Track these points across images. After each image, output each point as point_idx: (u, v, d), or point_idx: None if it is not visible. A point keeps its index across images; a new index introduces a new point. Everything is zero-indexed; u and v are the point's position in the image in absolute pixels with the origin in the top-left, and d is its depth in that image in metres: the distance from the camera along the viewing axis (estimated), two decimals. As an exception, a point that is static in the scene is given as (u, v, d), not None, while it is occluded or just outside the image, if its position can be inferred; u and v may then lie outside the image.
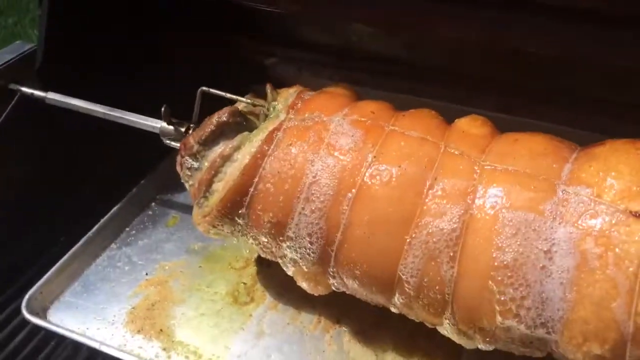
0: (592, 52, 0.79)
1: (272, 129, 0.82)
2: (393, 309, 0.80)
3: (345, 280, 0.79)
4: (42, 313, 0.93)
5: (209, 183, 0.84)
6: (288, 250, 0.81)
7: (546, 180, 0.68)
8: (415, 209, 0.71)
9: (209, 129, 0.85)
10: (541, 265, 0.64)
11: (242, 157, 0.82)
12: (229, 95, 0.90)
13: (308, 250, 0.78)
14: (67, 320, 0.92)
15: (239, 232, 0.86)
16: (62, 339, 0.90)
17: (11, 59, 1.02)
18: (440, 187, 0.71)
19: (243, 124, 0.88)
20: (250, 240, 0.86)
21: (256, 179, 0.80)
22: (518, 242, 0.65)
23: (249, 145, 0.83)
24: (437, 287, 0.71)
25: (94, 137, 1.05)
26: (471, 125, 0.78)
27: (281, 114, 0.84)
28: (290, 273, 0.86)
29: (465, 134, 0.77)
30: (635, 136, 0.70)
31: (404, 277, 0.72)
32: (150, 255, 1.03)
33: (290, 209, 0.78)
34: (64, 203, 1.08)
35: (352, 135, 0.77)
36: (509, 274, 0.66)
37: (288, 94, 0.88)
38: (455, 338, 0.75)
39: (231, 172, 0.83)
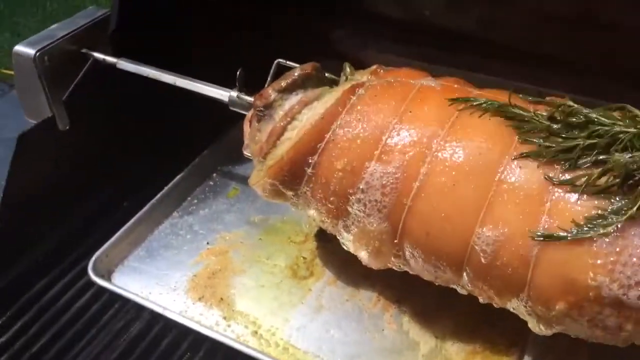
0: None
1: (355, 84, 0.82)
2: (459, 288, 0.77)
3: (412, 249, 0.76)
4: (107, 276, 0.95)
5: (282, 131, 0.83)
6: (356, 205, 0.78)
7: None
8: (501, 159, 0.70)
9: (291, 78, 0.85)
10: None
11: (322, 105, 0.81)
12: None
13: (379, 204, 0.76)
14: (131, 284, 0.94)
15: (300, 192, 0.83)
16: (125, 302, 0.93)
17: (85, 24, 1.03)
18: None
19: (324, 80, 0.87)
20: (312, 203, 0.83)
21: (335, 125, 0.79)
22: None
23: (329, 96, 0.82)
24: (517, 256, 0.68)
25: (161, 105, 1.07)
26: None
27: (363, 77, 0.84)
28: (350, 240, 0.82)
29: None
30: None
31: (478, 242, 0.69)
32: (211, 225, 1.04)
33: (367, 156, 0.76)
34: (128, 169, 1.10)
35: (439, 94, 0.77)
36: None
37: (365, 72, 0.87)
38: (526, 317, 0.73)
39: (309, 118, 0.81)
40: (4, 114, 1.36)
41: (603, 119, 0.67)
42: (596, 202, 0.65)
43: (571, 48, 0.91)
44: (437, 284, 0.80)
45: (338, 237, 0.85)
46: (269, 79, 0.91)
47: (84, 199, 1.07)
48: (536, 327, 0.72)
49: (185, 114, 1.08)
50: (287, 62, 0.90)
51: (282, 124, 0.83)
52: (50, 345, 0.90)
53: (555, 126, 0.70)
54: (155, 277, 0.95)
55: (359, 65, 1.15)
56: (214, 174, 1.14)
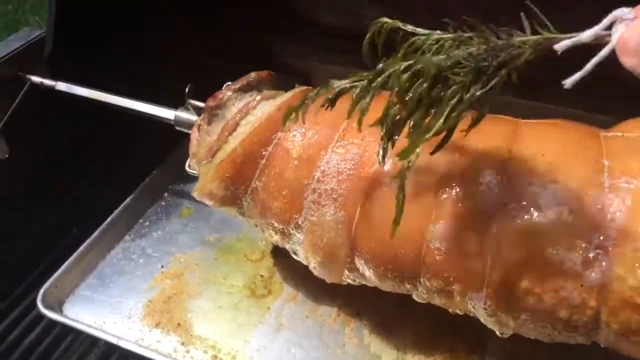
0: None
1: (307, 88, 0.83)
2: (416, 295, 0.77)
3: (366, 255, 0.74)
4: (58, 307, 0.92)
5: (235, 126, 0.81)
6: (311, 196, 0.75)
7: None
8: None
9: (246, 80, 0.85)
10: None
11: (280, 100, 0.82)
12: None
13: (335, 193, 0.74)
14: (84, 314, 0.91)
15: (252, 188, 0.81)
16: (78, 333, 0.90)
17: (19, 47, 1.00)
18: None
19: (278, 89, 0.88)
20: (264, 200, 0.80)
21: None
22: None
23: (286, 94, 0.83)
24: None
25: (106, 126, 1.03)
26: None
27: None
28: (301, 241, 0.79)
29: None
30: None
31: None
32: (165, 247, 1.01)
33: (323, 144, 0.76)
34: (75, 194, 1.06)
35: None
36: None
37: None
38: (487, 319, 0.72)
39: (265, 111, 0.81)
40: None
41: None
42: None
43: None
44: (395, 291, 0.79)
45: (287, 246, 0.83)
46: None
47: (30, 229, 1.03)
48: (496, 325, 0.72)
49: (131, 133, 1.04)
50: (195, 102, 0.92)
51: (236, 118, 0.82)
52: (1, 385, 0.87)
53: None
54: (108, 306, 0.92)
55: (304, 76, 1.15)
56: (166, 194, 1.11)
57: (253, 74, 0.87)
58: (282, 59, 1.16)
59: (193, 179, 1.06)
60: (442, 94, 0.51)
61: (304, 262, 0.82)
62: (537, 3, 0.47)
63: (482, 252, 0.66)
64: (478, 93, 0.49)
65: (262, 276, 0.96)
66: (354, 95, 0.56)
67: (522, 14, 0.46)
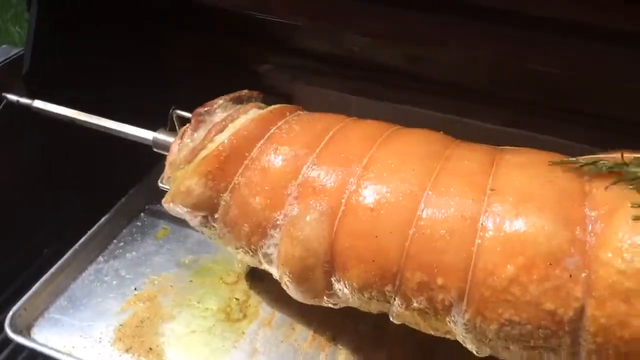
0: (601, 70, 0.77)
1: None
2: (393, 312, 0.75)
3: (346, 254, 0.73)
4: (26, 331, 0.89)
5: (223, 127, 0.82)
6: (295, 191, 0.76)
7: None
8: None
9: (238, 93, 0.88)
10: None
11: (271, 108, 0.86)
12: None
13: (320, 187, 0.74)
14: (53, 338, 0.89)
15: (233, 184, 0.80)
16: (47, 358, 0.87)
17: (-4, 65, 0.99)
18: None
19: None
20: (244, 196, 0.79)
21: (284, 119, 0.83)
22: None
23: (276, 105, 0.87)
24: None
25: (82, 145, 1.02)
26: None
27: None
28: (277, 243, 0.78)
29: None
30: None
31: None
32: (139, 269, 0.99)
33: (316, 145, 0.78)
34: (48, 214, 1.04)
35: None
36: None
37: None
38: (465, 336, 0.71)
39: (256, 112, 0.84)
40: None
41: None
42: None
43: (495, 83, 0.94)
44: (371, 308, 0.78)
45: (259, 256, 0.81)
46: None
47: (-1, 248, 1.00)
48: (474, 343, 0.70)
49: (107, 153, 1.03)
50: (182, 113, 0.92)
51: (227, 120, 0.83)
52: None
53: None
54: (78, 329, 0.90)
55: (288, 98, 1.16)
56: (142, 214, 1.10)
57: (245, 90, 0.89)
58: (270, 82, 1.16)
59: (169, 199, 1.05)
60: None
61: (277, 272, 0.80)
62: None
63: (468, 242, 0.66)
64: None
65: (237, 299, 0.94)
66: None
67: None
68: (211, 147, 0.81)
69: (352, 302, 0.77)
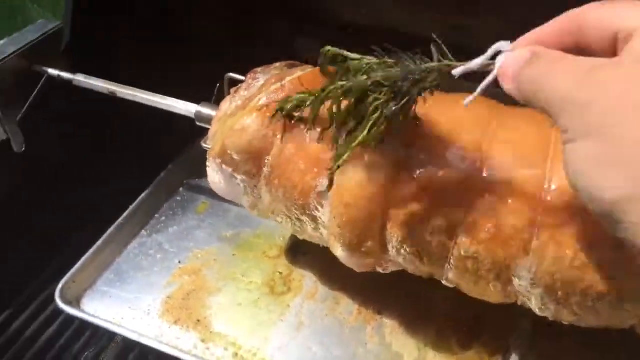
0: None
1: None
2: (444, 280, 0.74)
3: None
4: (76, 302, 0.91)
5: (280, 78, 0.79)
6: None
7: None
8: None
9: (290, 62, 0.87)
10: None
11: None
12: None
13: None
14: (102, 309, 0.90)
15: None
16: (97, 329, 0.89)
17: (36, 39, 0.97)
18: None
19: None
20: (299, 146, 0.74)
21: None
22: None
23: None
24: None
25: (122, 120, 1.02)
26: None
27: None
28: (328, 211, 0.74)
29: None
30: None
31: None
32: (182, 243, 1.01)
33: None
34: (91, 188, 1.05)
35: None
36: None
37: None
38: (531, 292, 0.68)
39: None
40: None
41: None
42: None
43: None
44: (423, 269, 0.75)
45: (313, 202, 0.75)
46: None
47: (46, 222, 1.01)
48: (539, 299, 0.68)
49: (147, 128, 1.04)
50: (237, 76, 0.89)
51: (286, 71, 0.81)
52: (19, 380, 0.86)
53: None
54: (127, 302, 0.92)
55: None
56: (181, 189, 1.10)
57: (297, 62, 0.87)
58: (301, 55, 1.15)
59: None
60: (366, 109, 0.62)
61: (328, 226, 0.76)
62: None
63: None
64: (394, 109, 0.60)
65: (280, 273, 0.95)
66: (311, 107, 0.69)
67: (432, 46, 0.57)
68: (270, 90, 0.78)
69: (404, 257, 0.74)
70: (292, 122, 0.74)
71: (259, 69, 0.85)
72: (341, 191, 0.71)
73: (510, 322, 0.83)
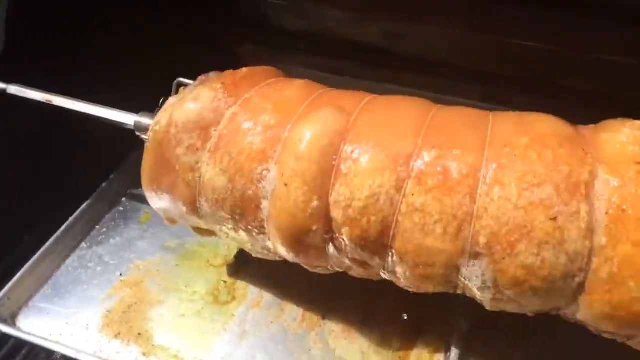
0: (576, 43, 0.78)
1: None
2: (387, 275, 0.73)
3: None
4: (11, 320, 0.88)
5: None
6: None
7: None
8: None
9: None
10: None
11: None
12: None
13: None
14: (38, 326, 0.88)
15: (242, 99, 0.77)
16: (33, 347, 0.86)
17: (-34, 48, 0.95)
18: None
19: None
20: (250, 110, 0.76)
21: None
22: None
23: None
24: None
25: (60, 130, 1.00)
26: None
27: None
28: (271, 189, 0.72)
29: None
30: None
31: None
32: (123, 254, 0.98)
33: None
34: (27, 200, 1.02)
35: None
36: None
37: None
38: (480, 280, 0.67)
39: None
40: None
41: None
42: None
43: (469, 57, 0.94)
44: (366, 260, 0.73)
45: (258, 174, 0.73)
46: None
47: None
48: (488, 291, 0.67)
49: (87, 137, 1.01)
50: (187, 81, 0.87)
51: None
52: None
53: None
54: (64, 317, 0.89)
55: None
56: (124, 199, 1.08)
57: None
58: (248, 63, 1.15)
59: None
60: None
61: (270, 206, 0.73)
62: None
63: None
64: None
65: (225, 282, 0.94)
66: None
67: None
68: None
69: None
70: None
71: (210, 73, 0.85)
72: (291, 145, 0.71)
73: (449, 324, 0.84)
